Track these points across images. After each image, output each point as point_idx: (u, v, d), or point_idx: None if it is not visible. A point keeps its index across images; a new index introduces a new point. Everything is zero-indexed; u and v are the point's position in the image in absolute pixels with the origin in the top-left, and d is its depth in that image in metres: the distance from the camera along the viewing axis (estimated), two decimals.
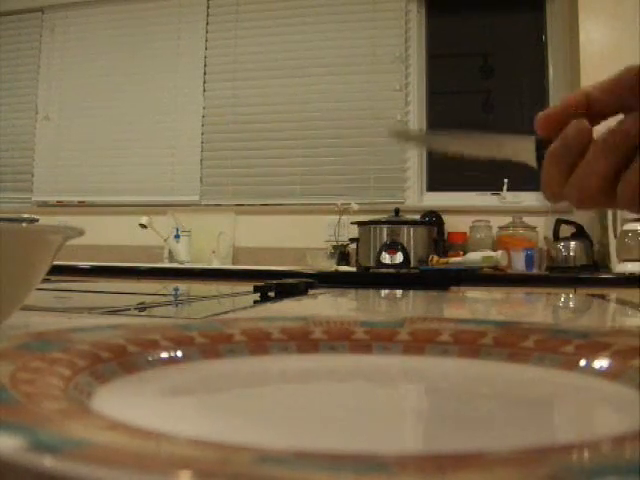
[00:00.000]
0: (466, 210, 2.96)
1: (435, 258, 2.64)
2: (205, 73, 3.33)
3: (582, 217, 2.79)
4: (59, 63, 3.52)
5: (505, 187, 2.90)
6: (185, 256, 3.06)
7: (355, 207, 2.84)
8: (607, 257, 2.63)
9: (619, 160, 0.40)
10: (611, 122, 0.42)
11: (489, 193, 2.98)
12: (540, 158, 0.44)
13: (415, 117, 3.10)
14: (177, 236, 3.07)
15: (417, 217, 2.88)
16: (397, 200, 3.02)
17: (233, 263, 3.12)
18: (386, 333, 0.41)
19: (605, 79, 0.42)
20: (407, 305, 1.10)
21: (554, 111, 0.43)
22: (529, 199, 2.95)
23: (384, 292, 1.44)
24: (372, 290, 1.45)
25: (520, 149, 0.46)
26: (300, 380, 0.35)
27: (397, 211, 2.81)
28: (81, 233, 0.46)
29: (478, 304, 1.17)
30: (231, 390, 0.32)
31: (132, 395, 0.29)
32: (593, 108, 0.43)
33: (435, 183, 3.11)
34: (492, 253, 2.58)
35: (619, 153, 0.40)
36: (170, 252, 3.11)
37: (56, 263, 0.47)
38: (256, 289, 1.03)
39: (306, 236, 3.04)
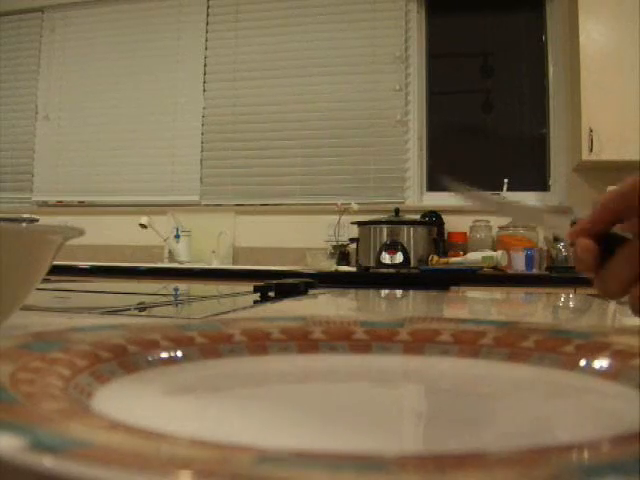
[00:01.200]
0: (466, 210, 2.95)
1: (435, 258, 2.64)
2: (205, 73, 3.33)
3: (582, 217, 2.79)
4: (59, 63, 3.52)
5: (505, 187, 2.90)
6: (185, 256, 3.06)
7: (355, 207, 2.84)
8: None
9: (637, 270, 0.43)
10: None
11: (489, 193, 2.98)
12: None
13: (415, 117, 3.10)
14: (177, 236, 3.07)
15: (417, 217, 2.88)
16: (397, 200, 3.02)
17: (233, 263, 3.12)
18: (386, 333, 0.41)
19: (623, 185, 0.44)
20: (407, 305, 1.10)
21: (582, 227, 0.47)
22: (529, 199, 2.95)
23: (384, 292, 1.44)
24: (372, 290, 1.45)
25: (556, 224, 0.50)
26: (300, 380, 0.35)
27: (397, 211, 2.81)
28: (81, 233, 0.46)
29: (478, 304, 1.17)
30: (231, 390, 0.32)
31: (132, 395, 0.29)
32: (618, 216, 0.45)
33: (435, 183, 3.11)
34: (492, 253, 2.59)
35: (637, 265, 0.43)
36: (170, 252, 3.11)
37: (56, 263, 0.47)
38: (256, 289, 1.02)
39: (306, 236, 3.04)
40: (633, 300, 0.44)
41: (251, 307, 0.87)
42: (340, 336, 0.40)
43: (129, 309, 0.83)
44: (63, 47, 3.52)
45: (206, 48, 3.34)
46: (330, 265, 2.80)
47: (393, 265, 2.64)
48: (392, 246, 2.66)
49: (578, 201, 2.85)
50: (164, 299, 1.20)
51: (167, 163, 3.34)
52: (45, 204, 3.50)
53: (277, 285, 1.06)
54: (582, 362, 0.35)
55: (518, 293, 1.91)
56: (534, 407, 0.30)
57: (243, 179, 3.24)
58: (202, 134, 3.31)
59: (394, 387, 0.35)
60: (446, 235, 2.92)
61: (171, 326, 0.39)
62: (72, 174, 3.45)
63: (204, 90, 3.33)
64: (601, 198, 0.46)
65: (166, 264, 3.03)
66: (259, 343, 0.39)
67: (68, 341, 0.33)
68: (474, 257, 2.57)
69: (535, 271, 2.66)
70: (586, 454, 0.18)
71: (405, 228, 2.72)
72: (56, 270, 0.57)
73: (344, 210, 2.87)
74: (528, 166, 3.01)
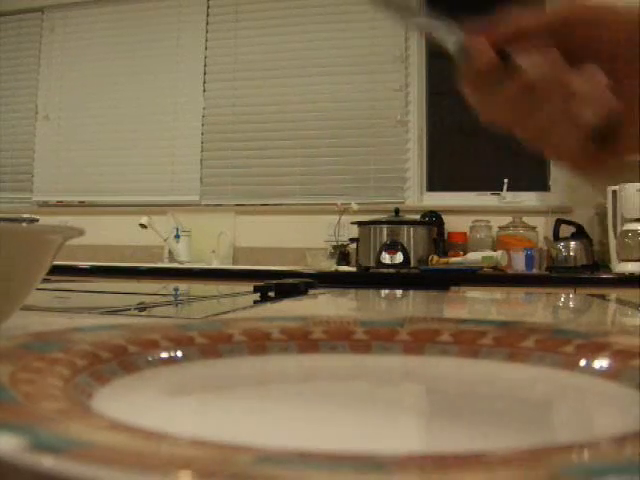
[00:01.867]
0: (466, 210, 2.96)
1: (435, 258, 2.64)
2: (205, 73, 3.33)
3: (582, 217, 2.79)
4: (59, 63, 3.52)
5: (505, 187, 2.90)
6: (185, 256, 3.06)
7: (355, 207, 2.84)
8: (607, 257, 2.63)
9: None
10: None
11: (489, 193, 2.98)
12: (463, 53, 0.44)
13: (415, 117, 3.10)
14: (177, 236, 3.07)
15: (417, 217, 2.88)
16: (397, 200, 3.02)
17: (233, 263, 3.12)
18: (386, 333, 0.41)
19: (538, 16, 0.42)
20: (407, 305, 1.10)
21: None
22: (529, 199, 2.95)
23: (384, 292, 1.44)
24: (372, 290, 1.45)
25: (449, 37, 0.46)
26: (300, 380, 0.35)
27: (397, 211, 2.81)
28: (81, 233, 0.46)
29: (478, 304, 1.17)
30: (231, 390, 0.32)
31: (132, 395, 0.29)
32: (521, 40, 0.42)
33: (435, 183, 3.11)
34: (492, 253, 2.59)
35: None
36: (170, 252, 3.11)
37: (56, 263, 0.47)
38: (256, 289, 1.02)
39: (306, 236, 3.04)
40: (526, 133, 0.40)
41: (251, 307, 0.87)
42: (340, 336, 0.40)
43: (129, 309, 0.83)
44: (63, 47, 3.52)
45: (206, 48, 3.34)
46: (330, 265, 2.80)
47: (393, 265, 2.64)
48: (392, 246, 2.66)
49: (578, 201, 2.85)
50: (164, 299, 1.20)
51: (167, 163, 3.34)
52: (45, 204, 3.50)
53: (277, 285, 1.06)
54: (582, 362, 0.35)
55: (518, 293, 1.91)
56: (534, 407, 0.30)
57: (243, 179, 3.24)
58: (202, 134, 3.31)
59: (394, 387, 0.35)
60: (446, 235, 2.92)
61: (171, 326, 0.39)
62: (72, 174, 3.45)
63: (204, 90, 3.33)
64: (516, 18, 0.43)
65: (166, 264, 3.03)
66: (259, 343, 0.39)
67: (68, 341, 0.33)
68: (474, 257, 2.57)
69: (535, 271, 2.66)
70: (586, 454, 0.18)
71: (405, 228, 2.72)
72: (56, 270, 0.57)
73: (344, 210, 2.87)
74: (528, 166, 3.01)
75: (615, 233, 2.53)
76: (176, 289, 1.47)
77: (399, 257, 2.64)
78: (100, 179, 3.40)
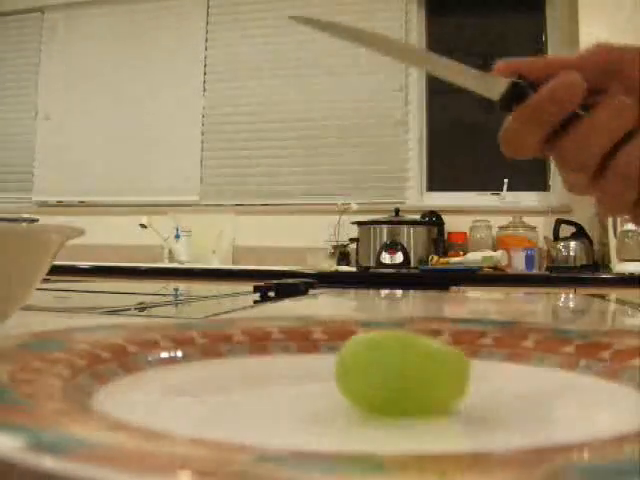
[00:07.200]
0: (466, 210, 2.96)
1: (435, 258, 2.64)
2: (205, 73, 3.33)
3: (582, 217, 2.79)
4: (59, 63, 3.52)
5: (505, 187, 2.90)
6: (185, 256, 3.06)
7: (355, 207, 2.84)
8: (607, 257, 2.63)
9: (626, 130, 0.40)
10: None
11: (489, 193, 2.98)
12: (507, 101, 0.43)
13: (415, 117, 3.10)
14: (177, 236, 3.07)
15: (417, 217, 2.88)
16: (397, 200, 3.02)
17: (233, 263, 3.12)
18: None
19: (570, 57, 0.42)
20: (407, 305, 1.10)
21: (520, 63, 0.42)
22: (529, 199, 2.95)
23: (384, 292, 1.44)
24: (372, 290, 1.45)
25: (489, 85, 0.44)
26: (300, 380, 0.35)
27: (397, 211, 2.81)
28: (81, 233, 0.46)
29: (478, 304, 1.17)
30: (231, 390, 0.32)
31: (132, 395, 0.29)
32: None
33: (435, 183, 3.11)
34: (492, 253, 2.59)
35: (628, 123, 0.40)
36: (170, 252, 3.11)
37: (56, 263, 0.47)
38: (256, 289, 1.03)
39: (306, 236, 3.04)
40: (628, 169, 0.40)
41: (251, 307, 0.87)
42: (340, 336, 0.40)
43: (129, 309, 0.83)
44: (63, 47, 3.52)
45: (206, 48, 3.34)
46: (330, 265, 2.80)
47: (393, 265, 2.64)
48: (392, 246, 2.66)
49: (578, 201, 2.85)
50: (164, 299, 1.20)
51: (167, 163, 3.34)
52: (45, 204, 3.49)
53: (277, 285, 1.06)
54: (582, 362, 0.35)
55: (518, 293, 1.91)
56: (534, 407, 0.30)
57: (243, 179, 3.24)
58: (202, 134, 3.31)
59: None
60: (446, 235, 2.92)
61: (171, 326, 0.39)
62: (72, 174, 3.45)
63: (204, 90, 3.33)
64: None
65: (166, 264, 3.03)
66: (259, 343, 0.39)
67: (68, 341, 0.33)
68: (474, 257, 2.57)
69: (535, 271, 2.66)
70: (586, 454, 0.18)
71: (405, 228, 2.72)
72: (56, 270, 0.57)
73: (344, 210, 2.87)
74: (528, 166, 3.01)
75: (615, 233, 2.53)
76: (176, 289, 1.47)
77: (399, 257, 2.65)
78: (100, 179, 3.40)
